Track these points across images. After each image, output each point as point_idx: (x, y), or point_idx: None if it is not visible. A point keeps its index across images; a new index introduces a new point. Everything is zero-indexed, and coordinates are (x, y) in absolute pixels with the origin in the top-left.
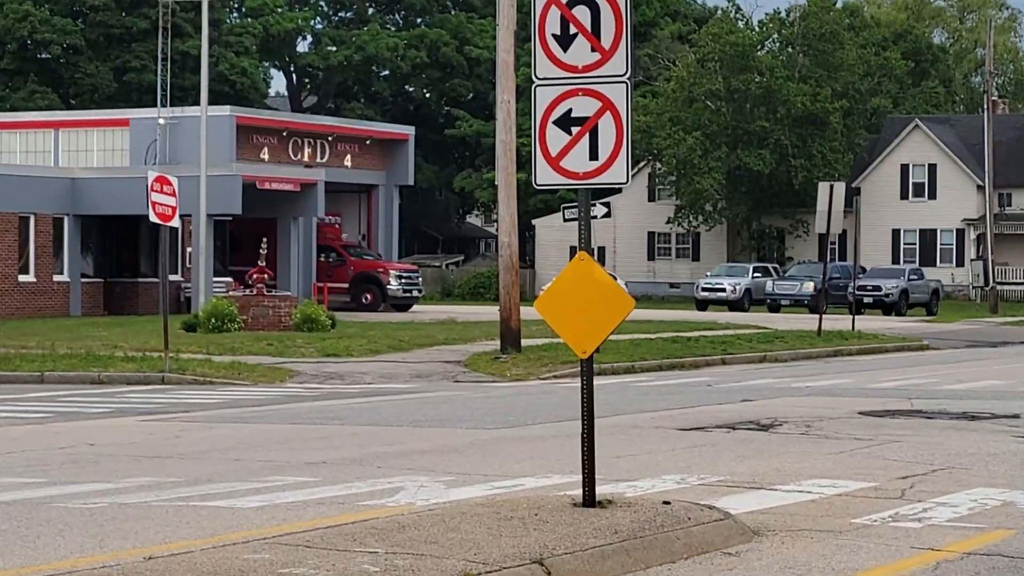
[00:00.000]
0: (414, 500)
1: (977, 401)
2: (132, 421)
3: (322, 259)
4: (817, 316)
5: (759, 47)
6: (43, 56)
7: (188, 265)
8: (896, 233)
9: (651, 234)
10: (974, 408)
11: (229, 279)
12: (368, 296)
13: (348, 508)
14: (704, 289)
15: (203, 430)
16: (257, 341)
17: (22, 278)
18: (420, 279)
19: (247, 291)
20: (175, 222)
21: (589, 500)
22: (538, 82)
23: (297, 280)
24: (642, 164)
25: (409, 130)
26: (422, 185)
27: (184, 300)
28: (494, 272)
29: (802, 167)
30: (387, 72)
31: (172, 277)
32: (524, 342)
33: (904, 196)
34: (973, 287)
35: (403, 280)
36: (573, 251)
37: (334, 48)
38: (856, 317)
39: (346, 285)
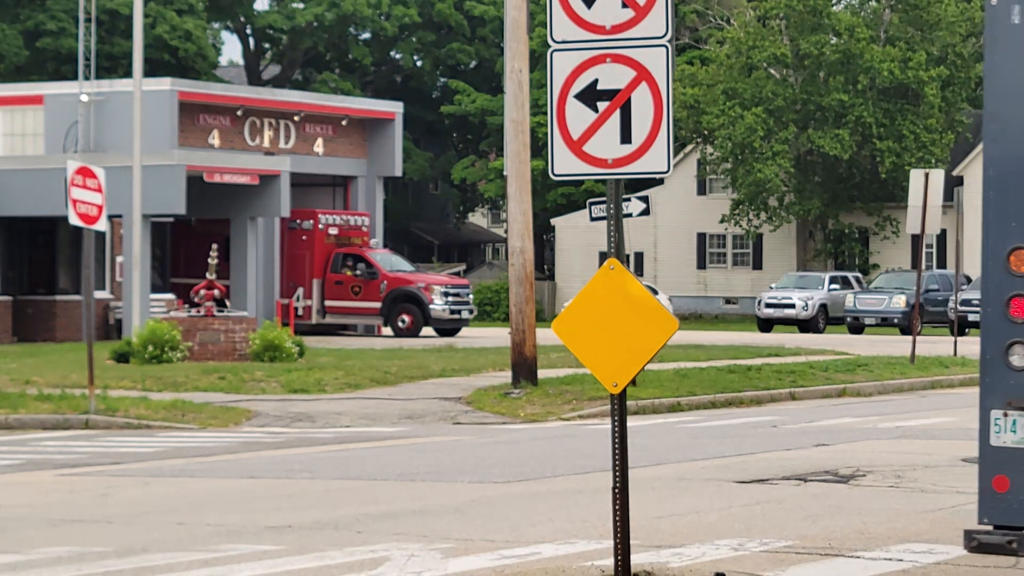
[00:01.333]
0: (403, 574)
1: None
2: (48, 476)
3: (347, 272)
4: (910, 338)
5: (835, 1)
6: None
7: (118, 279)
8: None
9: (701, 236)
10: None
11: (170, 296)
12: (406, 318)
13: None
14: (768, 305)
15: (138, 487)
16: (206, 374)
17: None
18: (471, 296)
19: (193, 311)
20: (102, 224)
21: (623, 572)
22: (555, 46)
23: (256, 297)
24: (689, 148)
25: (396, 107)
26: (413, 176)
27: (114, 323)
28: (504, 285)
29: (890, 151)
30: (368, 35)
31: (98, 294)
32: (541, 373)
33: None
34: None
35: (450, 298)
36: (603, 258)
37: (301, 5)
38: (959, 339)
39: (377, 305)
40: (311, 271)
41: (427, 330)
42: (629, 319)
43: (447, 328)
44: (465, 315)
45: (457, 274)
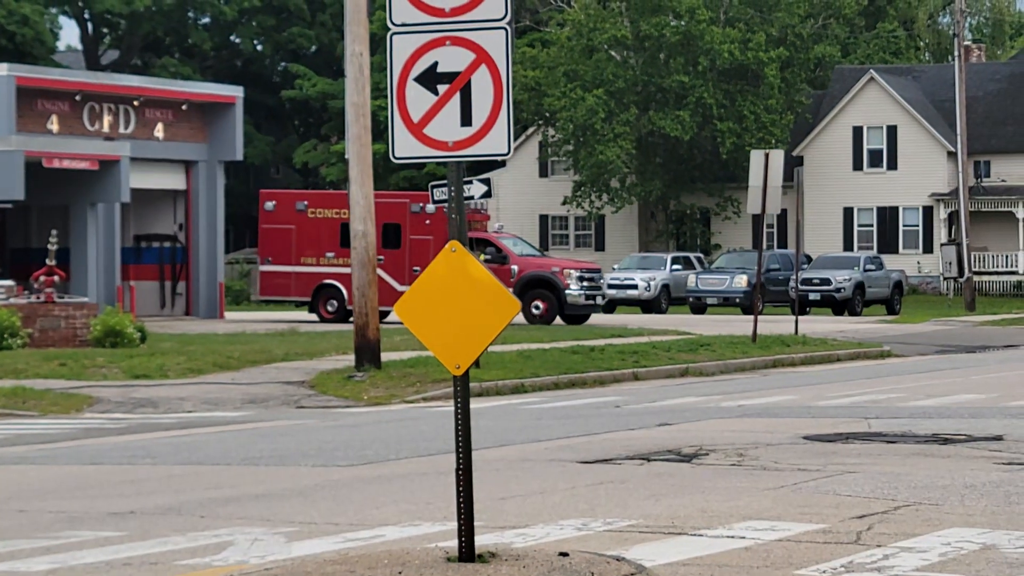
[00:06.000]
0: (246, 558)
1: (950, 420)
2: None
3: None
4: (751, 318)
5: None
6: None
7: None
8: (848, 212)
9: (543, 218)
10: (947, 429)
11: (10, 283)
12: (540, 305)
13: (163, 570)
14: (611, 286)
15: None
16: (47, 360)
17: None
18: (604, 281)
19: (32, 297)
20: None
21: (467, 553)
22: (395, 29)
23: (97, 282)
24: (530, 131)
25: (236, 91)
26: (254, 161)
27: None
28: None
29: (730, 132)
30: (207, 19)
31: None
32: (385, 356)
33: (858, 166)
34: (944, 278)
35: (585, 283)
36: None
37: None
38: (800, 318)
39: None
40: (436, 256)
41: (263, 314)
42: (471, 301)
43: (580, 315)
44: (599, 300)
45: None
